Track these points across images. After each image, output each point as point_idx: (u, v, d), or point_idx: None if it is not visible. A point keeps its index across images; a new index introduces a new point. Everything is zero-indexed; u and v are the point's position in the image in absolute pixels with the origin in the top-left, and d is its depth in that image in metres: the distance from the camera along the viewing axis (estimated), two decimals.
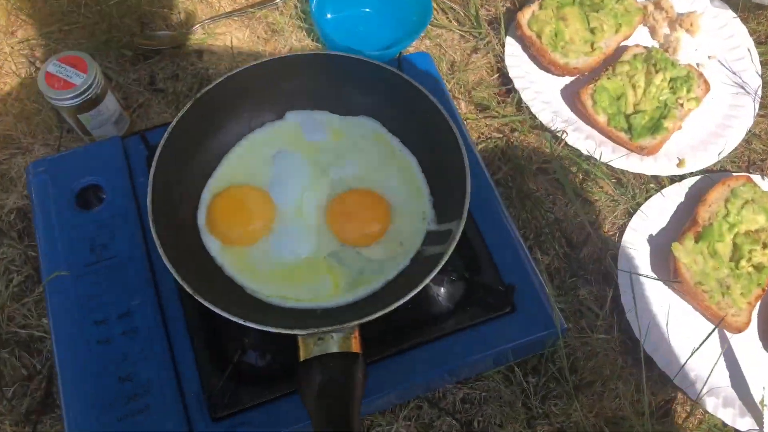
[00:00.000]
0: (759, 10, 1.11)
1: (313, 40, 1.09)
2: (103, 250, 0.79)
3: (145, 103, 1.05)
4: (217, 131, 0.81)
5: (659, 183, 0.99)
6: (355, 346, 0.66)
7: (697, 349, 0.82)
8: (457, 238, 0.70)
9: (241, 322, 0.64)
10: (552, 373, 0.85)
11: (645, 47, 1.04)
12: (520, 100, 1.02)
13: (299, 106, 0.84)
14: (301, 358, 0.65)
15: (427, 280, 0.67)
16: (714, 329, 0.84)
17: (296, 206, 0.78)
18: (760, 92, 1.04)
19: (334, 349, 0.65)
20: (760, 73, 1.05)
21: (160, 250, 0.68)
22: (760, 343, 0.88)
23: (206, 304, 0.65)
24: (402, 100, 0.80)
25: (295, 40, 1.10)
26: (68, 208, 0.82)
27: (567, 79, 1.06)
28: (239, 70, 0.79)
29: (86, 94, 0.90)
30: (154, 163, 0.73)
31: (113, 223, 0.81)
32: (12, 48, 1.08)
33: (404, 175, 0.80)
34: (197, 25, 1.09)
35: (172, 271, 0.67)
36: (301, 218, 0.77)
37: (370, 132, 0.83)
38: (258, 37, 1.10)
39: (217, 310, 0.65)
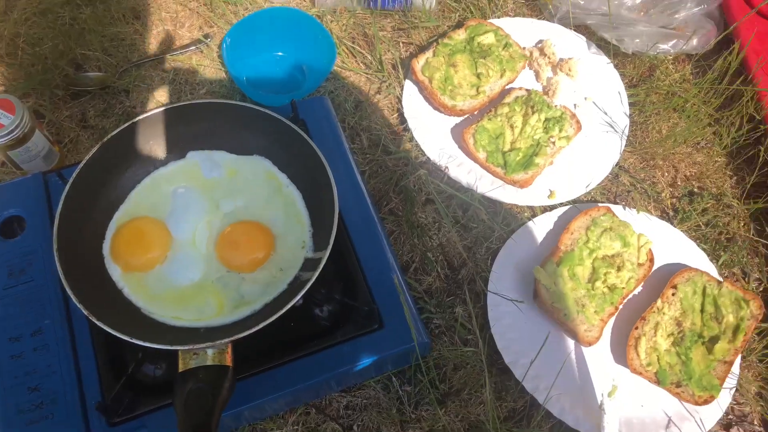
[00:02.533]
0: (626, 58, 1.24)
1: (230, 81, 1.21)
2: (21, 275, 0.90)
3: (75, 139, 1.15)
4: (125, 170, 0.92)
5: (533, 212, 1.12)
6: (227, 360, 0.77)
7: (536, 356, 0.94)
8: (322, 264, 0.81)
9: (127, 338, 0.75)
10: (425, 382, 0.96)
11: (527, 90, 1.17)
12: (413, 137, 1.15)
13: (199, 147, 0.96)
14: (179, 370, 0.76)
15: (292, 303, 0.78)
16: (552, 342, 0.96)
17: (190, 236, 0.89)
18: (627, 131, 1.16)
19: (208, 362, 0.76)
20: (628, 113, 1.18)
21: (61, 276, 0.79)
22: (608, 355, 1.00)
23: (96, 322, 0.76)
24: (289, 142, 0.92)
25: (215, 82, 1.21)
26: None
27: (456, 118, 1.18)
28: (144, 117, 0.90)
29: (14, 133, 1.00)
30: (61, 199, 0.84)
31: (32, 250, 0.92)
32: None
33: (289, 208, 0.92)
34: (126, 67, 1.20)
35: (70, 293, 0.78)
36: (194, 247, 0.88)
37: (261, 170, 0.94)
38: (182, 78, 1.21)
39: (106, 328, 0.75)
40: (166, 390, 0.82)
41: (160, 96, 1.19)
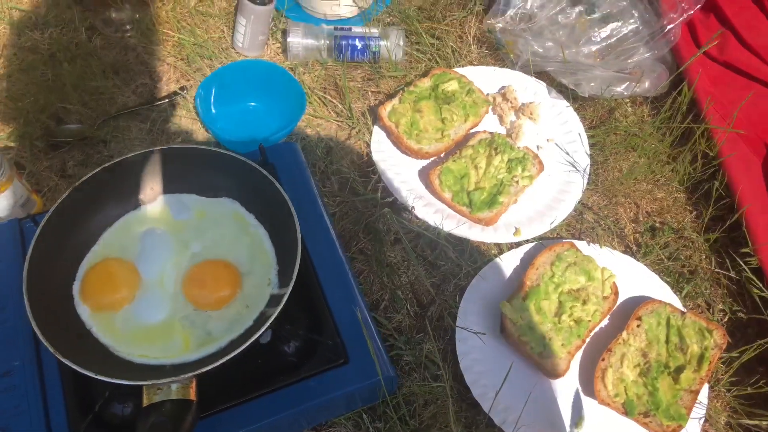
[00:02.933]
0: (586, 101, 1.30)
1: (205, 131, 1.26)
2: None
3: (54, 188, 1.19)
4: (95, 213, 0.95)
5: (500, 249, 1.14)
6: (191, 394, 0.78)
7: (501, 387, 0.95)
8: (284, 300, 0.83)
9: (91, 375, 0.77)
10: (395, 419, 0.96)
11: (491, 133, 1.22)
12: (380, 179, 1.18)
13: (170, 190, 0.99)
14: (144, 405, 0.77)
15: (255, 336, 0.80)
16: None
17: (159, 276, 0.91)
18: (588, 170, 1.21)
19: (172, 396, 0.77)
20: (588, 153, 1.22)
21: (30, 316, 0.80)
22: (576, 387, 1.01)
23: (62, 359, 0.77)
24: (256, 184, 0.95)
25: (190, 131, 1.26)
26: None
27: (423, 161, 1.23)
28: (113, 163, 0.94)
29: None
30: (32, 243, 0.86)
31: (5, 294, 0.93)
32: None
33: (256, 247, 0.94)
34: (105, 119, 1.25)
35: (37, 332, 0.79)
36: (161, 287, 0.90)
37: (229, 211, 0.98)
38: (158, 128, 1.26)
39: (70, 364, 0.77)
40: (129, 428, 0.83)
41: (138, 146, 1.23)
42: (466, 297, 1.07)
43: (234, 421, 0.86)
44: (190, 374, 0.78)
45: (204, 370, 0.78)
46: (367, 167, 1.23)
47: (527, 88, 1.31)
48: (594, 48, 1.29)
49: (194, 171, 0.98)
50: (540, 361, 1.00)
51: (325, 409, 0.92)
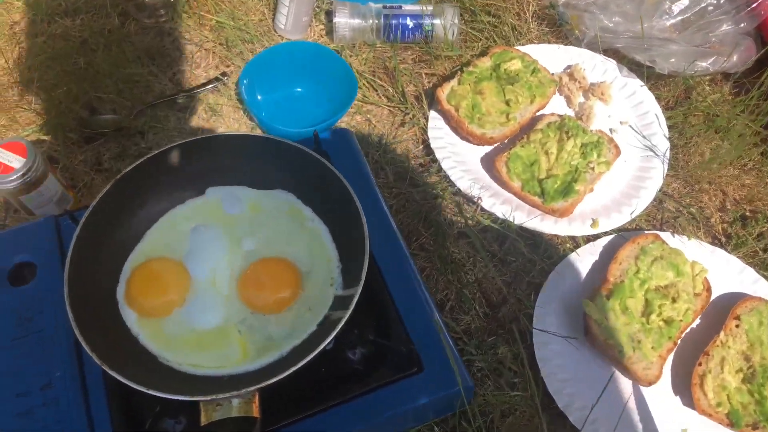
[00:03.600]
0: (658, 80, 1.19)
1: (249, 119, 1.17)
2: (29, 323, 0.83)
3: (89, 183, 1.10)
4: (139, 209, 0.86)
5: (575, 243, 1.04)
6: (254, 410, 0.69)
7: (598, 400, 0.85)
8: (355, 302, 0.74)
9: (143, 389, 0.68)
10: (470, 431, 0.87)
11: (559, 115, 1.12)
12: (441, 169, 1.09)
13: (220, 182, 0.90)
14: (202, 423, 0.68)
15: (323, 345, 0.71)
16: (611, 383, 0.87)
17: (210, 277, 0.82)
18: (668, 154, 1.10)
19: (233, 414, 0.68)
20: (667, 136, 1.11)
21: (73, 323, 0.72)
22: (671, 395, 0.91)
23: (110, 372, 0.69)
24: (314, 176, 0.86)
25: (232, 120, 1.17)
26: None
27: (486, 147, 1.12)
28: (158, 152, 0.85)
29: (26, 177, 0.95)
30: (72, 242, 0.78)
31: (42, 298, 0.85)
32: None
33: (315, 243, 0.85)
34: (141, 109, 1.17)
35: (82, 342, 0.71)
36: (214, 288, 0.81)
37: (285, 204, 0.88)
38: (198, 117, 1.17)
39: (120, 378, 0.68)
40: None
41: (177, 136, 1.15)
42: (542, 296, 0.97)
43: None
44: (253, 388, 0.69)
45: (269, 382, 0.69)
46: (424, 155, 1.13)
47: (596, 66, 1.20)
48: (669, 22, 1.18)
49: (246, 161, 0.89)
50: (629, 367, 0.89)
51: (395, 423, 0.83)
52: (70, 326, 0.81)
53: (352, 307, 0.73)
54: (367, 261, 0.76)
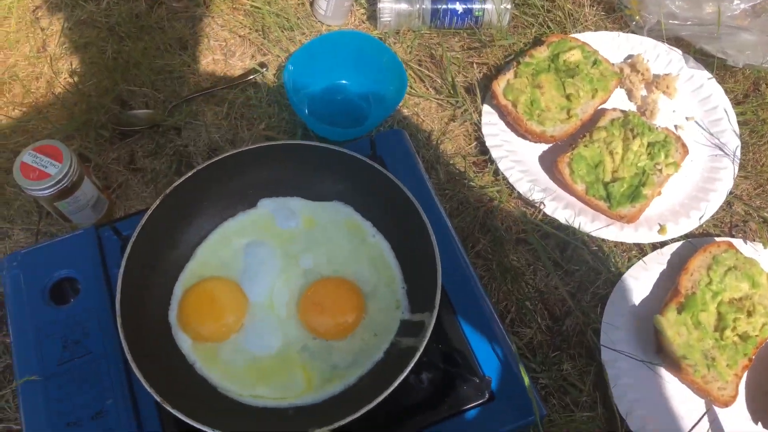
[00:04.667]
0: (728, 70, 1.11)
1: (290, 114, 1.10)
2: (76, 346, 0.78)
3: (124, 183, 1.05)
4: (189, 224, 0.81)
5: (641, 250, 0.98)
6: None
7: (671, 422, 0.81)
8: (429, 332, 0.69)
9: (209, 431, 0.63)
10: None
11: (622, 111, 1.05)
12: (497, 170, 1.02)
13: (272, 193, 0.84)
14: None
15: (396, 382, 0.66)
16: (704, 414, 0.83)
17: (267, 299, 0.77)
18: (738, 153, 1.03)
19: None
20: (737, 133, 1.04)
21: (130, 359, 0.67)
22: (748, 417, 0.86)
23: (174, 411, 0.64)
24: (374, 186, 0.80)
25: (272, 115, 1.10)
26: (41, 304, 0.81)
27: (544, 146, 1.06)
28: (208, 164, 0.79)
29: (62, 183, 0.90)
30: (123, 262, 0.72)
31: (87, 318, 0.80)
32: None
33: (377, 261, 0.80)
34: (176, 103, 1.10)
35: (139, 375, 0.66)
36: (272, 311, 0.76)
37: (342, 217, 0.83)
38: (236, 112, 1.11)
39: (184, 418, 0.64)
40: None
41: (215, 132, 1.08)
42: (608, 309, 0.92)
43: None
44: (327, 428, 0.64)
45: (344, 422, 0.64)
46: (478, 154, 1.07)
47: (659, 56, 1.13)
48: (739, 8, 1.09)
49: (298, 171, 0.83)
50: (703, 386, 0.85)
51: None
52: (120, 349, 0.77)
53: (427, 336, 0.68)
54: (440, 284, 0.71)
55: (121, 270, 0.72)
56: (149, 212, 0.75)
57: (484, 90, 1.11)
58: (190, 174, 0.78)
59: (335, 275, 0.78)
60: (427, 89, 1.14)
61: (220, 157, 0.80)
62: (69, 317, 0.80)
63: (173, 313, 0.77)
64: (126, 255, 0.73)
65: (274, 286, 0.78)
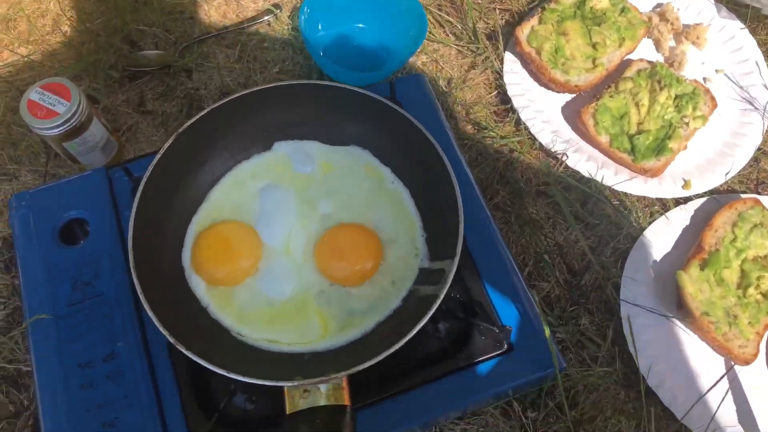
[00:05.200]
0: (761, 21, 1.06)
1: (304, 58, 1.06)
2: (86, 287, 0.77)
3: (134, 126, 1.02)
4: (202, 165, 0.78)
5: (664, 206, 0.96)
6: (344, 397, 0.63)
7: (708, 392, 0.79)
8: (450, 279, 0.67)
9: (223, 373, 0.62)
10: (551, 407, 0.82)
11: (649, 61, 1.01)
12: (518, 120, 0.99)
13: (288, 136, 0.81)
14: (288, 411, 0.63)
15: (418, 327, 0.65)
16: (725, 373, 0.81)
17: (284, 243, 0.75)
18: None
19: (322, 401, 0.62)
20: None
21: (142, 298, 0.66)
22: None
23: (188, 353, 0.63)
24: (394, 130, 0.78)
25: (285, 58, 1.06)
26: (51, 244, 0.80)
27: (568, 96, 1.02)
28: (222, 102, 0.76)
29: (70, 122, 0.87)
30: (134, 204, 0.70)
31: (97, 259, 0.79)
32: None
33: (396, 208, 0.77)
34: (187, 44, 1.06)
35: (154, 318, 0.65)
36: (288, 256, 0.74)
37: (360, 162, 0.80)
38: (249, 54, 1.07)
39: (198, 360, 0.62)
40: (258, 429, 0.70)
41: (227, 75, 1.05)
42: (629, 264, 0.90)
43: (379, 420, 0.71)
44: (343, 373, 0.63)
45: (361, 367, 0.63)
46: (499, 103, 1.03)
47: (689, 5, 1.08)
48: None
49: (316, 113, 0.80)
50: (725, 344, 0.83)
51: (481, 403, 0.78)
52: (132, 291, 0.76)
53: (448, 283, 0.67)
54: (462, 231, 0.69)
55: (133, 211, 0.70)
56: (161, 152, 0.73)
57: (506, 37, 1.07)
58: (203, 113, 0.75)
59: (353, 221, 0.76)
60: (447, 35, 1.10)
61: (234, 96, 0.77)
62: (79, 258, 0.79)
63: (186, 255, 0.75)
64: (138, 195, 0.71)
65: (291, 231, 0.76)
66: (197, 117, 0.75)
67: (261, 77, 1.04)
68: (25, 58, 1.05)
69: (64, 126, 0.87)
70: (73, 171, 0.96)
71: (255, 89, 0.77)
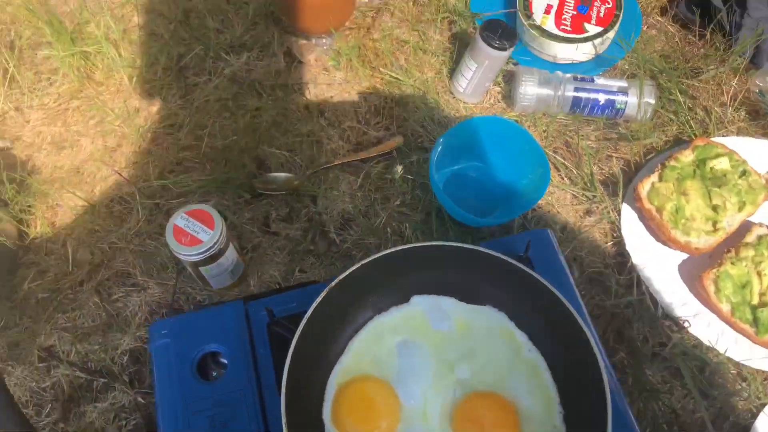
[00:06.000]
0: None
1: (422, 191, 1.09)
2: (223, 428, 0.79)
3: (257, 245, 1.06)
4: (345, 318, 0.81)
5: None
6: None
7: None
8: None
9: None
10: None
11: None
12: (638, 276, 1.00)
13: (425, 291, 0.84)
14: None
15: None
16: None
17: (421, 406, 0.76)
18: None
19: None
20: None
21: None
22: None
23: None
24: (529, 295, 0.79)
25: (405, 192, 1.09)
26: (189, 378, 0.82)
27: (684, 254, 1.03)
28: (372, 259, 0.79)
29: (211, 250, 0.91)
30: (290, 353, 0.72)
31: (233, 398, 0.80)
32: (137, 187, 1.11)
33: (533, 379, 0.78)
34: (315, 170, 1.11)
35: None
36: (424, 421, 0.75)
37: (496, 325, 0.81)
38: (370, 185, 1.11)
39: None
40: None
41: (349, 202, 1.09)
42: None
43: None
44: None
45: None
46: (615, 254, 1.05)
47: None
48: None
49: (454, 271, 0.82)
50: None
51: None
52: None
53: None
54: (611, 417, 0.69)
55: (288, 361, 0.72)
56: (316, 302, 0.75)
57: (623, 186, 1.09)
58: (355, 268, 0.78)
59: (490, 389, 0.77)
60: (562, 179, 1.12)
61: (382, 254, 0.79)
62: (216, 395, 0.81)
63: (327, 410, 0.76)
64: (294, 343, 0.73)
65: (427, 394, 0.77)
66: (349, 271, 0.78)
67: (381, 208, 1.08)
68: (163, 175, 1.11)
69: (205, 254, 0.91)
70: (198, 288, 1.00)
71: (398, 249, 0.80)
